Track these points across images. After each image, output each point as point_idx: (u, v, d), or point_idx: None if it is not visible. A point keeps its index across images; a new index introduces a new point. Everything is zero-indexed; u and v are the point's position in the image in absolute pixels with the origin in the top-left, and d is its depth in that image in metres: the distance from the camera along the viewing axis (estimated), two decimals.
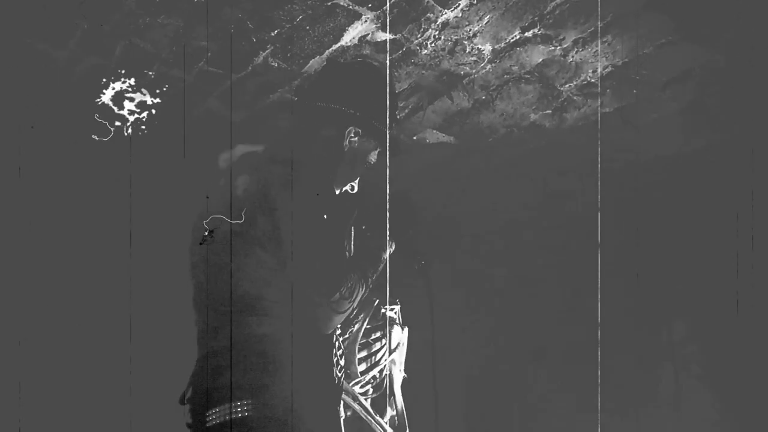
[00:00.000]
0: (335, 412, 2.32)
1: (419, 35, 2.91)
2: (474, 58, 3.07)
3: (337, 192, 2.45)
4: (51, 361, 3.89)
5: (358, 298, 2.13)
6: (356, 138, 2.39)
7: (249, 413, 1.99)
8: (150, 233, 3.76)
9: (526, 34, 2.89)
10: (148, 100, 2.98)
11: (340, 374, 2.32)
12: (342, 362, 2.35)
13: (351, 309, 2.14)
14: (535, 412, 4.64)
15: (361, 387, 2.89)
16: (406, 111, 3.46)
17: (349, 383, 2.82)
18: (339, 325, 2.30)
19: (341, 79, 2.46)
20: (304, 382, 2.06)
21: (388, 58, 3.02)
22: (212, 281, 2.13)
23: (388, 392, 2.94)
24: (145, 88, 3.01)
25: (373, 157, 2.48)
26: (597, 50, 2.97)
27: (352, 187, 2.51)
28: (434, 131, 3.70)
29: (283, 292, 2.06)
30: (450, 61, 3.09)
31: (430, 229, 4.63)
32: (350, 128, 2.38)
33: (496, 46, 2.98)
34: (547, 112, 3.50)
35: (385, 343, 2.99)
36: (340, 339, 2.50)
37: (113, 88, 2.90)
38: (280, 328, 2.06)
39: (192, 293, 2.28)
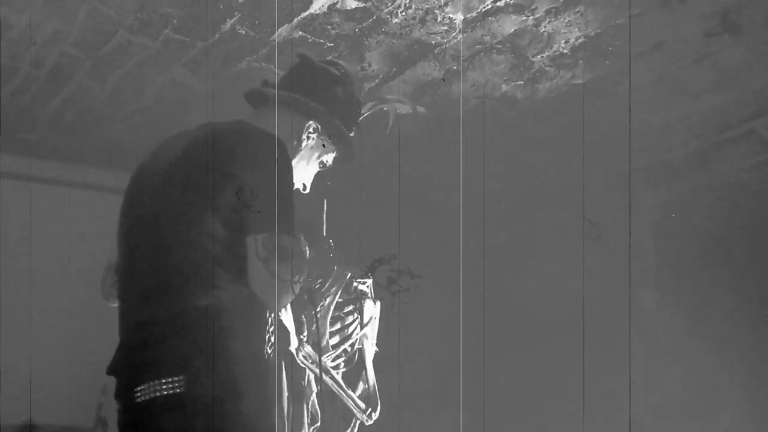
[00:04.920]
0: (272, 390, 2.40)
1: (390, 3, 3.08)
2: (445, 28, 3.24)
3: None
4: None
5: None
6: (314, 135, 2.46)
7: (180, 390, 2.01)
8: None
9: (498, 3, 3.05)
10: None
11: (270, 351, 2.37)
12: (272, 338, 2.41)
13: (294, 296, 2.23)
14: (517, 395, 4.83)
15: (333, 360, 3.07)
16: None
17: (321, 356, 2.99)
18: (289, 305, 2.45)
19: (312, 75, 2.52)
20: (241, 359, 2.12)
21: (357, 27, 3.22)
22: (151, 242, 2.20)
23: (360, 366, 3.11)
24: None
25: (327, 158, 2.55)
26: (569, 20, 3.15)
27: (304, 186, 2.56)
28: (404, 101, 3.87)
29: (233, 267, 2.10)
30: (421, 30, 3.26)
31: (400, 204, 4.77)
32: (310, 122, 2.45)
33: (467, 15, 3.15)
34: (519, 83, 3.68)
35: (357, 317, 3.17)
36: (313, 312, 2.68)
37: None
38: (223, 301, 2.09)
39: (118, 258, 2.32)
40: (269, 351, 2.36)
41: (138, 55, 3.53)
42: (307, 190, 2.57)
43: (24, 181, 4.35)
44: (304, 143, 2.46)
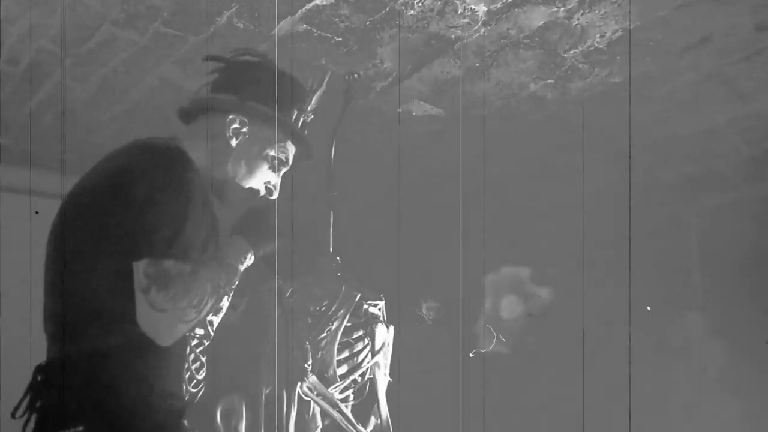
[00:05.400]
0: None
1: None
2: (466, 20, 3.10)
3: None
4: None
5: (205, 310, 2.11)
6: (243, 128, 2.40)
7: None
8: None
9: None
10: None
11: (194, 390, 2.33)
12: (198, 375, 2.34)
13: (196, 321, 2.10)
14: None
15: (341, 392, 2.94)
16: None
17: (327, 388, 2.87)
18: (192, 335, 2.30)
19: (229, 72, 2.50)
20: (144, 402, 2.09)
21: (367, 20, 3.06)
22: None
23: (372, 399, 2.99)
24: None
25: (274, 152, 2.45)
26: (605, 12, 3.01)
27: (269, 190, 2.49)
28: (421, 102, 3.74)
29: (129, 301, 2.03)
30: (439, 23, 3.12)
31: (417, 210, 4.69)
32: (230, 117, 2.39)
33: (491, 7, 3.01)
34: (549, 81, 3.55)
35: (368, 344, 3.04)
36: (318, 338, 2.55)
37: None
38: (124, 341, 2.06)
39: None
40: (192, 389, 2.30)
41: (124, 51, 3.40)
42: (275, 195, 2.50)
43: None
44: (233, 141, 2.39)
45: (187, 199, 2.08)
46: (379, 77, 3.56)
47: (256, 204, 2.43)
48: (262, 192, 2.46)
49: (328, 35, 3.23)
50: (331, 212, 3.09)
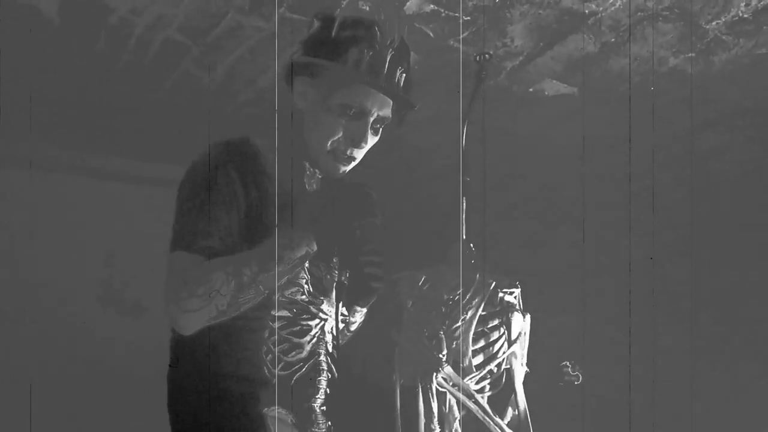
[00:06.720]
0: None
1: None
2: None
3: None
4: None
5: (226, 299, 2.07)
6: (306, 89, 2.26)
7: None
8: None
9: None
10: None
11: (284, 372, 2.30)
12: (288, 357, 2.33)
13: (216, 310, 2.07)
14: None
15: (477, 383, 2.92)
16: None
17: (463, 379, 2.85)
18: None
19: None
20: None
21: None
22: None
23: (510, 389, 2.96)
24: None
25: (348, 100, 2.22)
26: None
27: (351, 143, 2.25)
28: (554, 81, 3.68)
29: None
30: None
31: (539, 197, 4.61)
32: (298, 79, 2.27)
33: None
34: (690, 55, 3.45)
35: (504, 333, 3.01)
36: (453, 328, 2.52)
37: None
38: None
39: None
40: (282, 372, 2.29)
41: (250, 38, 3.44)
42: (359, 151, 2.29)
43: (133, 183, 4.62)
44: (301, 104, 2.29)
45: (199, 192, 2.15)
46: (510, 56, 3.51)
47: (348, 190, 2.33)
48: (344, 150, 2.26)
49: (456, 15, 3.20)
50: (464, 198, 3.04)
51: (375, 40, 2.21)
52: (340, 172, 2.29)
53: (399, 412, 2.88)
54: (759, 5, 3.05)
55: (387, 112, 2.26)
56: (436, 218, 2.42)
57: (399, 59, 2.25)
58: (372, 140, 2.28)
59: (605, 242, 4.62)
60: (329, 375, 2.36)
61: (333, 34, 2.21)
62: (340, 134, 2.23)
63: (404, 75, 2.27)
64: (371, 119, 2.23)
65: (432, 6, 3.14)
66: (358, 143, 2.23)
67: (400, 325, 3.00)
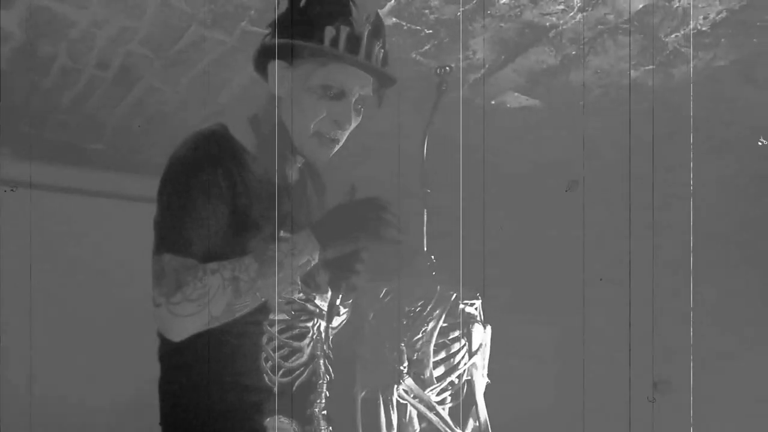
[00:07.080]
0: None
1: None
2: (562, 7, 3.06)
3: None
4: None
5: (221, 305, 2.03)
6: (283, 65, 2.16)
7: None
8: None
9: None
10: None
11: (285, 379, 2.23)
12: (288, 363, 2.27)
13: (207, 315, 2.02)
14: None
15: (438, 394, 2.94)
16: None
17: (424, 390, 2.87)
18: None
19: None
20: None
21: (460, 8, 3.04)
22: None
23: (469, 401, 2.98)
24: None
25: (326, 80, 2.15)
26: None
27: (334, 125, 2.18)
28: (516, 94, 3.70)
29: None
30: (533, 11, 3.08)
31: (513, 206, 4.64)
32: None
33: None
34: (650, 67, 3.48)
35: (465, 344, 3.03)
36: (414, 340, 2.53)
37: None
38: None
39: None
40: (282, 379, 2.22)
41: (213, 51, 3.43)
42: (342, 133, 2.22)
43: (90, 196, 4.49)
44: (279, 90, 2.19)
45: (187, 190, 2.07)
46: (472, 69, 3.52)
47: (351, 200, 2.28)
48: (327, 132, 2.18)
49: (418, 28, 3.20)
50: (425, 210, 3.06)
51: (351, 16, 2.14)
52: (329, 156, 2.22)
53: (360, 424, 2.89)
54: (717, 18, 3.08)
55: (368, 90, 2.20)
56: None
57: (376, 34, 2.17)
58: (355, 121, 2.21)
59: (567, 255, 4.66)
60: (328, 377, 2.31)
61: (302, 4, 2.12)
62: (324, 114, 2.15)
63: (382, 51, 2.19)
64: (353, 99, 2.16)
65: (394, 19, 3.13)
66: (342, 125, 2.17)
67: (361, 337, 3.01)
